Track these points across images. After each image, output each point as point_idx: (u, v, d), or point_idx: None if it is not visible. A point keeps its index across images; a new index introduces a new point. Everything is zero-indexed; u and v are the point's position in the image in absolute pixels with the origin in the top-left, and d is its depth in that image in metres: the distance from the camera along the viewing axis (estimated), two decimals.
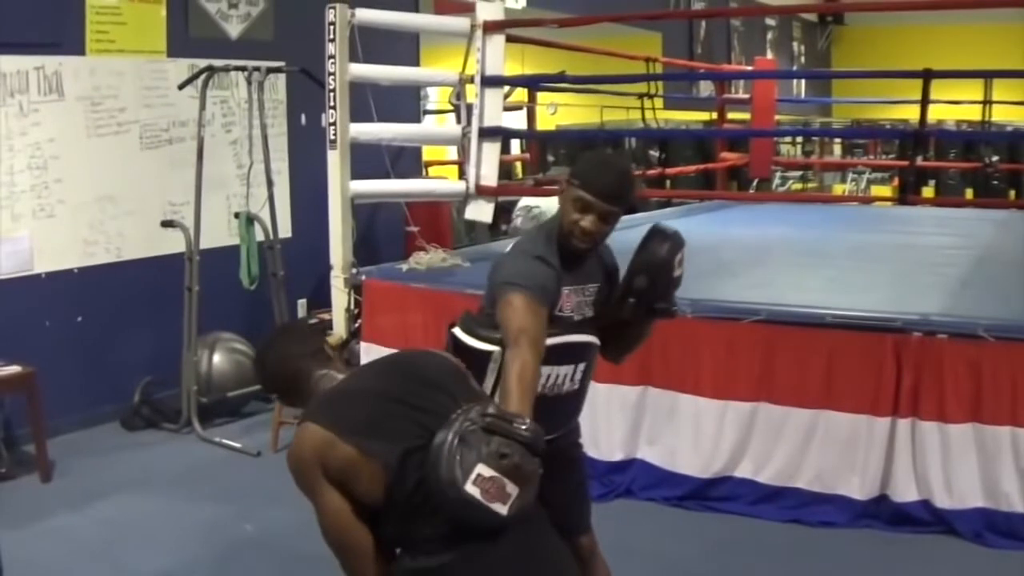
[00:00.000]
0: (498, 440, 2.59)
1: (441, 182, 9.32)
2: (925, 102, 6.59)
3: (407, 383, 2.79)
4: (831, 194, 17.79)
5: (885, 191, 17.20)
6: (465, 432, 2.59)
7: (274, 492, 5.41)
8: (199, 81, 7.31)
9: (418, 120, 10.38)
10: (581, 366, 3.46)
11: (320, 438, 2.65)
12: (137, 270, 7.44)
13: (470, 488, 2.54)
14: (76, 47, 7.04)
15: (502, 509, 2.57)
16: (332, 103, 6.79)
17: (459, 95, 7.56)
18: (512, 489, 2.58)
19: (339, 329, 6.79)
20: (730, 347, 5.61)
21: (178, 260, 7.23)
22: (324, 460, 2.63)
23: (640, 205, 12.34)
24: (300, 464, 2.67)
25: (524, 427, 2.63)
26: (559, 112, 12.47)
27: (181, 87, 7.42)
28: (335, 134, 6.78)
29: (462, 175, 7.67)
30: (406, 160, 9.20)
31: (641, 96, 9.93)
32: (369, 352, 6.45)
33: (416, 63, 9.60)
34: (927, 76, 6.48)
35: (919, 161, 9.35)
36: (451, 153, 11.67)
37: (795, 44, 21.99)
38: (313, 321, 7.41)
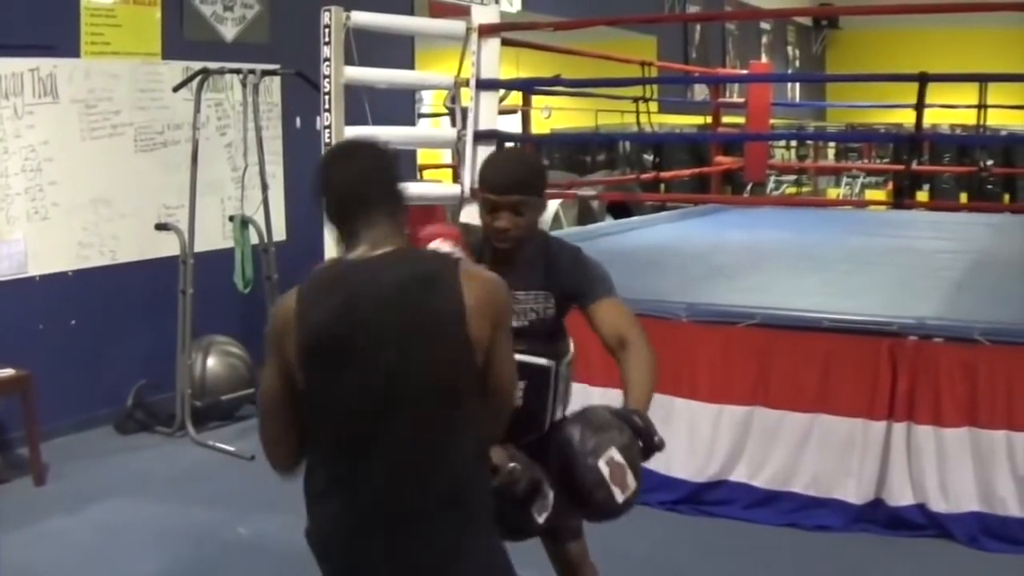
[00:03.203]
0: (630, 434, 2.84)
1: (436, 185, 9.32)
2: (921, 106, 6.59)
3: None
4: (826, 198, 17.78)
5: (880, 195, 17.20)
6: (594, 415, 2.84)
7: (267, 496, 5.40)
8: (194, 84, 7.30)
9: (413, 123, 10.37)
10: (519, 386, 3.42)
11: (288, 313, 2.56)
12: (131, 273, 7.43)
13: (602, 466, 2.68)
14: (71, 49, 7.03)
15: (620, 496, 2.72)
16: (327, 106, 6.78)
17: (454, 98, 7.57)
18: (632, 482, 2.75)
19: None
20: (726, 351, 5.61)
21: (172, 263, 7.22)
22: (282, 336, 2.55)
23: (637, 208, 12.37)
24: (268, 330, 2.62)
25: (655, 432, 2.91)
26: (554, 116, 12.47)
27: (176, 90, 7.40)
28: (330, 137, 6.77)
29: (457, 178, 7.66)
30: (401, 163, 9.17)
31: (636, 100, 9.91)
32: None
33: (411, 66, 9.59)
34: (923, 80, 6.49)
35: (914, 165, 9.35)
36: (446, 156, 11.68)
37: (790, 48, 22.00)
38: None
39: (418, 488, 2.50)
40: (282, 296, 2.67)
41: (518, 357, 3.04)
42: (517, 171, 3.32)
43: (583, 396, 5.81)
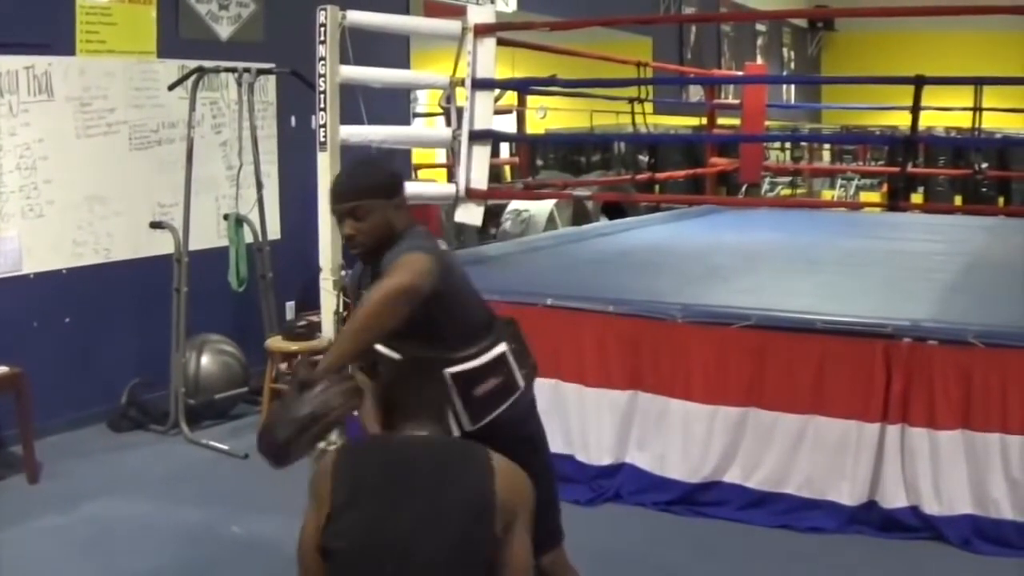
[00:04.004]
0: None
1: (431, 185, 9.30)
2: (916, 108, 6.59)
3: None
4: (821, 200, 17.78)
5: (874, 197, 17.21)
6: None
7: (261, 495, 5.43)
8: (189, 82, 7.31)
9: (408, 123, 10.37)
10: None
11: (325, 486, 2.88)
12: (126, 271, 7.43)
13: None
14: (66, 47, 7.02)
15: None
16: (322, 105, 6.78)
17: (449, 98, 7.56)
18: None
19: (328, 332, 6.78)
20: (720, 352, 5.60)
21: (167, 261, 7.22)
22: (321, 497, 2.86)
23: (631, 209, 12.36)
24: (312, 478, 2.95)
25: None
26: (549, 116, 12.46)
27: (171, 88, 7.41)
28: (325, 136, 6.76)
29: (451, 178, 7.66)
30: (396, 163, 9.19)
31: (631, 100, 9.90)
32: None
33: (407, 66, 9.59)
34: (919, 82, 6.49)
35: (909, 167, 9.35)
36: (440, 156, 11.67)
37: (785, 50, 22.02)
38: None
39: None
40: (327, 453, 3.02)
41: (383, 351, 3.31)
42: (349, 179, 3.41)
43: (578, 397, 5.85)
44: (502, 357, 3.36)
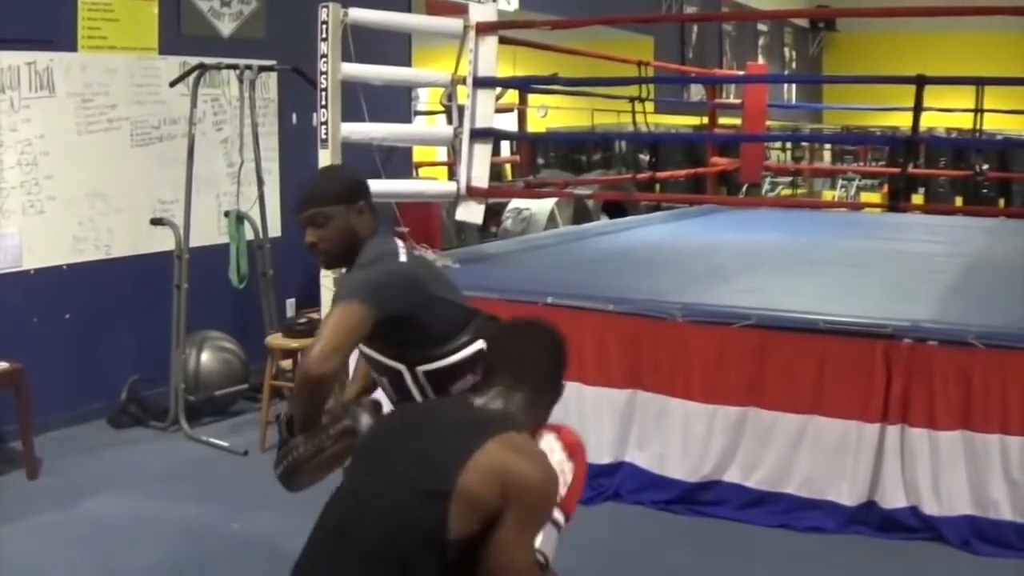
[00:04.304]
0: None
1: (432, 183, 9.30)
2: (918, 109, 6.59)
3: None
4: (822, 200, 17.78)
5: (875, 198, 17.20)
6: None
7: (261, 491, 5.40)
8: (190, 79, 7.31)
9: (409, 121, 10.37)
10: (383, 380, 3.54)
11: None
12: (126, 267, 7.43)
13: None
14: (68, 43, 7.02)
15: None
16: (323, 102, 6.77)
17: (451, 96, 7.55)
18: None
19: None
20: (720, 352, 5.61)
21: (167, 258, 7.22)
22: None
23: (632, 208, 12.36)
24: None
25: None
26: (550, 115, 12.46)
27: (172, 85, 7.41)
28: (326, 133, 6.76)
29: (452, 176, 7.66)
30: (397, 160, 9.19)
31: (632, 100, 9.91)
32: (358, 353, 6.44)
33: (408, 63, 9.59)
34: (920, 82, 6.49)
35: (910, 168, 9.35)
36: (441, 154, 11.68)
37: (787, 50, 22.03)
38: None
39: None
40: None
41: (370, 353, 3.33)
42: (307, 187, 3.43)
43: (577, 396, 5.85)
44: (479, 354, 3.36)
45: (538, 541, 2.73)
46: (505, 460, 2.59)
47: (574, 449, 3.00)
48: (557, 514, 2.82)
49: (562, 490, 2.82)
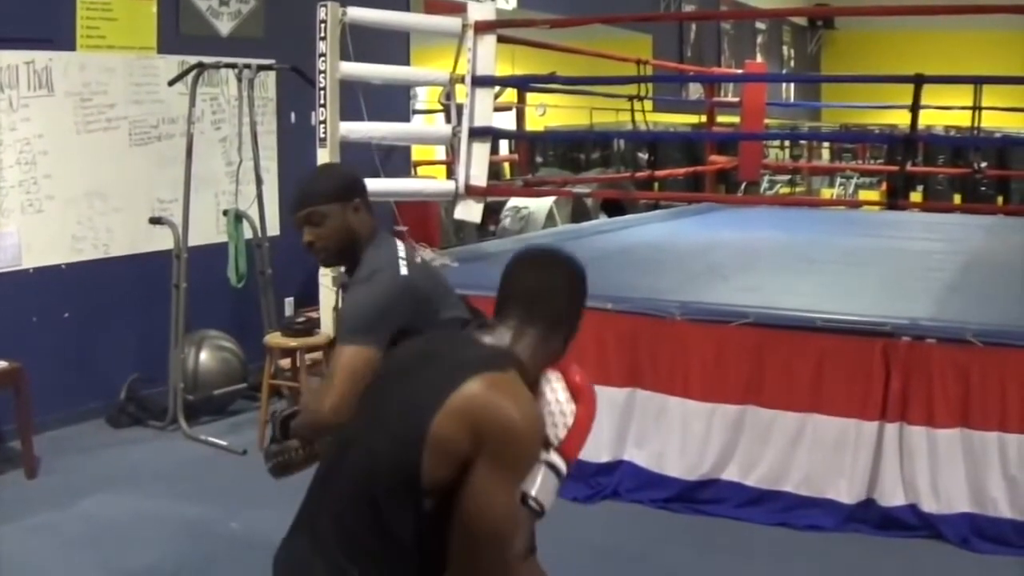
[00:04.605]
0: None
1: (430, 182, 9.32)
2: (916, 107, 6.60)
3: None
4: (820, 198, 17.79)
5: (874, 196, 17.22)
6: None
7: (260, 491, 5.40)
8: (189, 78, 7.31)
9: (408, 119, 10.37)
10: None
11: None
12: (125, 267, 7.43)
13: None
14: (67, 42, 7.02)
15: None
16: (322, 101, 6.78)
17: (449, 95, 7.56)
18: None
19: (327, 328, 6.78)
20: (719, 350, 5.61)
21: (166, 257, 7.22)
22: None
23: (631, 206, 12.36)
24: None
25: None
26: (549, 113, 12.47)
27: (171, 84, 7.41)
28: (325, 132, 6.77)
29: (451, 175, 7.66)
30: (395, 159, 9.20)
31: (631, 98, 9.93)
32: None
33: (407, 62, 9.59)
34: (918, 81, 6.50)
35: (908, 166, 9.36)
36: (440, 153, 11.68)
37: (785, 48, 22.03)
38: None
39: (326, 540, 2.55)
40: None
41: None
42: (303, 186, 3.40)
43: None
44: None
45: (534, 488, 2.53)
46: (478, 399, 2.37)
47: (580, 390, 2.75)
48: (557, 459, 2.60)
49: (562, 433, 2.67)
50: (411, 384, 2.50)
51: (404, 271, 3.25)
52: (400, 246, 3.35)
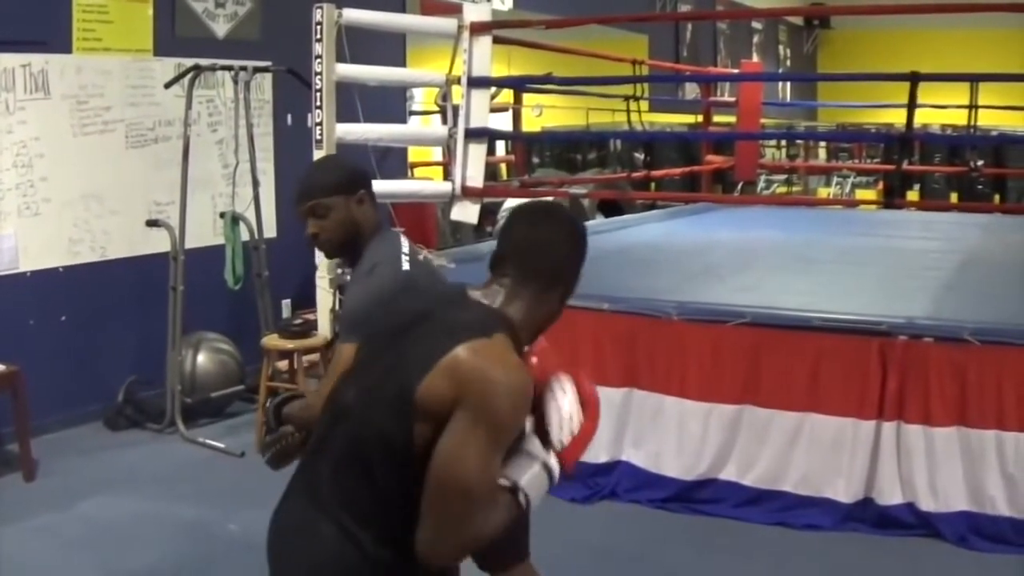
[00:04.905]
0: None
1: (427, 183, 9.31)
2: (912, 106, 6.60)
3: None
4: (817, 198, 17.79)
5: (870, 195, 17.22)
6: None
7: (258, 493, 5.40)
8: (185, 80, 7.30)
9: (404, 121, 10.37)
10: None
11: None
12: (122, 269, 7.43)
13: None
14: (63, 45, 7.02)
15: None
16: (318, 103, 6.79)
17: (445, 96, 7.57)
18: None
19: (324, 330, 6.79)
20: (716, 350, 5.61)
21: (163, 259, 7.21)
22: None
23: (627, 207, 12.37)
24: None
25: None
26: (545, 114, 12.48)
27: (167, 86, 7.41)
28: (321, 134, 6.77)
29: (447, 176, 7.67)
30: (392, 161, 9.20)
31: (627, 98, 9.92)
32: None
33: (403, 64, 9.59)
34: (914, 79, 6.50)
35: (905, 165, 9.36)
36: (436, 154, 11.68)
37: (781, 47, 22.02)
38: None
39: (316, 504, 2.55)
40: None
41: None
42: (307, 178, 3.40)
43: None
44: None
45: (523, 479, 2.45)
46: (464, 362, 2.31)
47: (589, 403, 2.72)
48: (554, 463, 2.52)
49: (567, 439, 2.61)
50: (401, 348, 2.43)
51: (406, 266, 3.25)
52: (404, 242, 3.35)
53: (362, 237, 3.32)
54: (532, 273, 2.52)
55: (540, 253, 2.54)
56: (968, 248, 8.41)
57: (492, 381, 2.30)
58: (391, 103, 9.41)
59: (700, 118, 13.24)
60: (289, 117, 8.50)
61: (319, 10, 6.73)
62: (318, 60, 6.76)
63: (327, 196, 3.27)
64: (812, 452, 5.40)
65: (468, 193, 7.37)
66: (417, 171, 11.80)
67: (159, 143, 7.64)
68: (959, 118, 10.86)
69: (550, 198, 2.80)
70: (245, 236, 7.45)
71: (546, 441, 2.54)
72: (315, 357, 6.92)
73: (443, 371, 2.30)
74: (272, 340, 6.88)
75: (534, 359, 2.61)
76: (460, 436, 2.28)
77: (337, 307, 6.45)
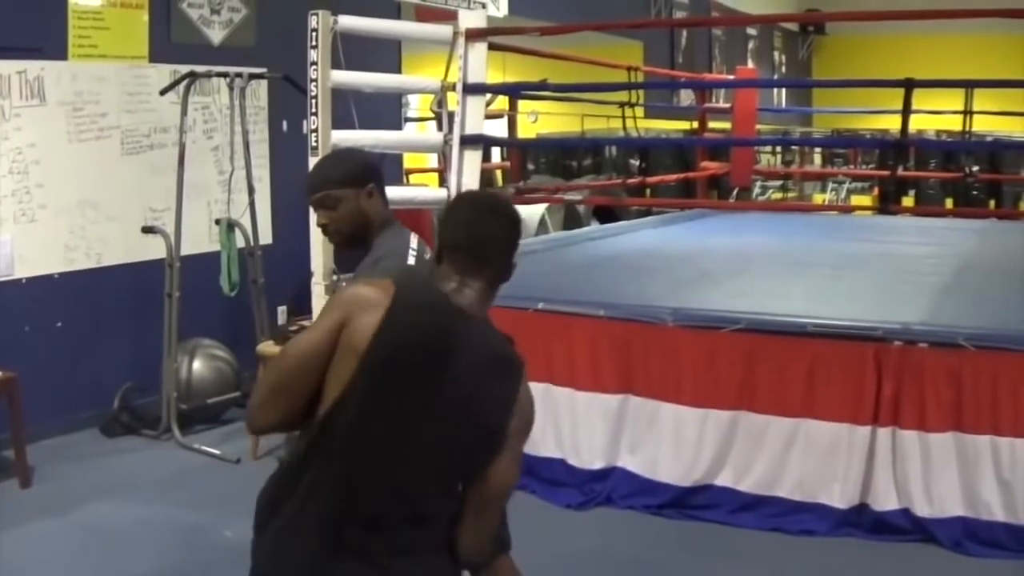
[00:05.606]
0: None
1: (422, 189, 9.31)
2: (906, 112, 6.61)
3: None
4: (812, 203, 17.80)
5: (865, 201, 17.24)
6: None
7: (253, 499, 5.40)
8: (181, 87, 7.30)
9: (399, 127, 10.37)
10: None
11: (377, 299, 2.43)
12: (118, 276, 7.43)
13: None
14: (58, 52, 7.02)
15: None
16: (314, 110, 6.78)
17: (441, 103, 7.58)
18: None
19: None
20: (711, 356, 5.62)
21: (159, 266, 7.22)
22: (356, 314, 2.44)
23: (623, 213, 12.37)
24: (340, 295, 2.56)
25: None
26: (540, 120, 12.48)
27: (163, 93, 7.40)
28: (316, 141, 6.76)
29: (443, 182, 7.67)
30: (387, 167, 9.16)
31: (622, 105, 9.91)
32: None
33: (398, 70, 9.60)
34: (908, 85, 6.51)
35: (900, 171, 9.37)
36: (432, 160, 11.67)
37: (776, 54, 22.03)
38: None
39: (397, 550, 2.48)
40: (374, 278, 2.65)
41: None
42: (317, 170, 3.47)
43: (569, 401, 5.86)
44: None
45: None
46: (525, 399, 2.59)
47: None
48: None
49: None
50: (460, 380, 2.46)
51: (411, 261, 3.27)
52: (414, 238, 3.38)
53: (371, 230, 3.34)
54: (483, 267, 2.57)
55: (490, 247, 2.60)
56: (963, 254, 8.42)
57: (535, 409, 2.64)
58: (387, 110, 9.41)
59: (695, 124, 13.26)
60: (285, 124, 8.51)
61: (314, 17, 6.73)
62: (313, 67, 6.75)
63: (337, 188, 3.29)
64: (807, 458, 5.40)
65: None
66: (413, 177, 11.77)
67: (155, 150, 7.64)
68: (954, 124, 10.91)
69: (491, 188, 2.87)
70: (241, 243, 7.45)
71: None
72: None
73: (518, 413, 2.55)
74: (267, 347, 6.88)
75: None
76: (516, 455, 2.57)
77: None
